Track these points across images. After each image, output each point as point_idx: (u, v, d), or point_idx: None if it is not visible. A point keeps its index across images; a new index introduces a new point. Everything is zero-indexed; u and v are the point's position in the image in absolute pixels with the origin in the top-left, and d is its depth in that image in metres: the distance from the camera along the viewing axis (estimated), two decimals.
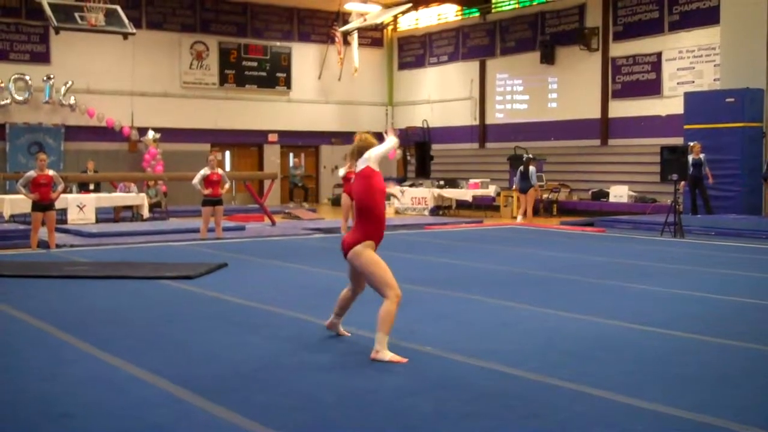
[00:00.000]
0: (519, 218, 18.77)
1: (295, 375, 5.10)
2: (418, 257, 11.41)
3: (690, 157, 16.50)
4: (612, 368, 5.28)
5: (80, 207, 17.72)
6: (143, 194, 19.40)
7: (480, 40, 26.30)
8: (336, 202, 24.36)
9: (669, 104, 20.87)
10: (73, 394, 4.69)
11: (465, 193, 22.01)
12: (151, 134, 23.64)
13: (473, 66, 26.50)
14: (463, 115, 26.79)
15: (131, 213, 19.30)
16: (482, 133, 26.37)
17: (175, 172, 20.69)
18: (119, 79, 24.08)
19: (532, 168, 18.84)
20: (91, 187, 20.09)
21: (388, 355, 5.43)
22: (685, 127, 18.49)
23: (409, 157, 26.89)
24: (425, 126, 27.05)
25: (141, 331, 6.50)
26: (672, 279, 9.33)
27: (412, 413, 4.32)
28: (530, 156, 19.93)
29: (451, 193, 22.32)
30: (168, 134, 24.17)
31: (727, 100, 17.73)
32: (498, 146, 25.23)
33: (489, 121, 26.22)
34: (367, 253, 5.70)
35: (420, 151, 25.24)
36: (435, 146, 26.13)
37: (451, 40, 27.26)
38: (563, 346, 5.89)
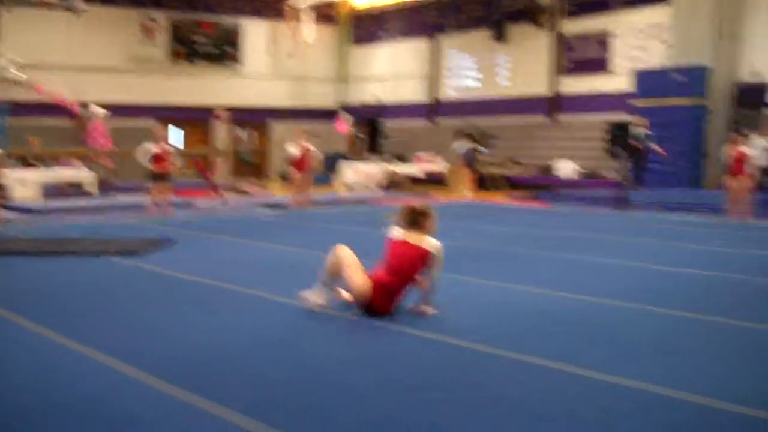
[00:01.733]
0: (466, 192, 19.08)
1: (240, 350, 5.06)
2: (367, 231, 11.38)
3: (634, 130, 16.74)
4: (558, 339, 5.34)
5: (25, 184, 17.38)
6: (90, 170, 19.11)
7: (433, 18, 26.26)
8: (286, 177, 24.17)
9: (618, 81, 21.07)
10: (16, 374, 4.60)
11: (416, 169, 22.05)
12: (99, 110, 23.23)
13: (425, 42, 26.47)
14: (415, 92, 26.77)
15: (78, 189, 18.99)
16: (434, 109, 26.40)
17: (123, 148, 20.37)
18: (66, 53, 23.62)
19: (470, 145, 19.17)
20: (37, 163, 19.71)
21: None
22: (634, 103, 18.72)
23: (360, 134, 26.84)
24: (377, 102, 26.99)
25: (87, 308, 6.39)
26: (618, 251, 9.45)
27: (359, 386, 4.32)
28: (469, 132, 20.18)
29: (402, 168, 22.34)
30: (117, 110, 23.76)
31: (675, 77, 17.97)
32: (449, 122, 25.29)
33: (441, 97, 26.25)
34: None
35: (372, 127, 25.20)
36: (387, 122, 26.10)
37: (404, 17, 27.18)
38: (510, 318, 5.94)
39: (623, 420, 3.81)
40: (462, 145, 18.89)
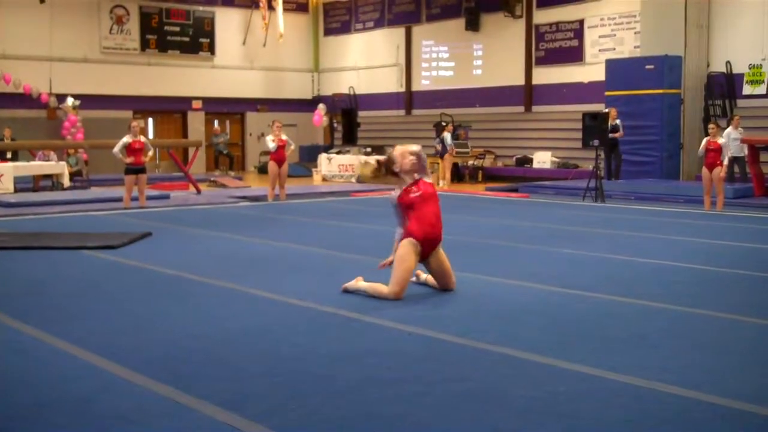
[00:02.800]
0: (440, 183, 19.20)
1: (220, 345, 5.07)
2: (345, 224, 11.42)
3: (612, 122, 16.89)
4: (537, 331, 5.38)
5: None
6: (63, 163, 18.95)
7: (406, 6, 26.25)
8: (262, 169, 24.16)
9: (591, 71, 21.20)
10: (1, 373, 4.58)
11: None
12: (70, 101, 23.04)
13: (399, 32, 26.45)
14: (390, 82, 26.77)
15: (51, 182, 18.83)
16: (408, 99, 26.41)
17: (96, 140, 20.23)
18: (36, 44, 23.39)
19: (446, 134, 19.31)
20: (9, 155, 19.52)
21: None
22: (606, 93, 18.84)
23: (335, 124, 26.80)
24: (352, 93, 26.96)
25: (63, 302, 6.37)
26: (594, 243, 9.53)
27: (340, 380, 4.34)
28: (443, 122, 20.36)
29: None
30: (88, 101, 23.58)
31: (647, 67, 18.10)
32: (424, 113, 25.33)
33: (415, 87, 26.27)
34: (402, 248, 6.35)
35: (347, 118, 25.16)
36: (362, 113, 26.08)
37: (377, 6, 27.14)
38: (489, 310, 5.98)
39: (608, 413, 3.85)
40: (439, 137, 19.22)
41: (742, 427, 3.70)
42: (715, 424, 3.72)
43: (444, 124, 20.28)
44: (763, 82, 18.31)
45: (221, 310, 6.04)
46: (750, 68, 18.44)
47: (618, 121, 17.41)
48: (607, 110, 17.28)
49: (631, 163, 18.11)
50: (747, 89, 18.56)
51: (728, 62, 18.53)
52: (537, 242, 9.56)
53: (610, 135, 17.08)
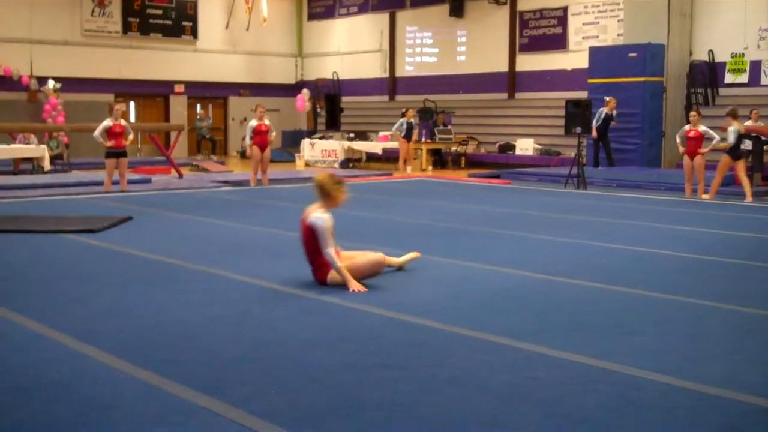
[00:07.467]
0: (408, 169, 19.64)
1: (200, 329, 5.05)
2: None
3: (604, 111, 16.88)
4: (517, 317, 5.40)
5: None
6: (44, 146, 18.80)
7: None
8: (245, 154, 24.06)
9: (574, 58, 21.20)
10: None
11: (375, 146, 22.02)
12: (51, 84, 22.82)
13: (383, 18, 26.35)
14: (373, 68, 26.69)
15: (31, 165, 18.69)
16: (392, 85, 26.35)
17: (77, 123, 20.05)
18: (17, 25, 23.13)
19: (409, 120, 19.70)
20: None
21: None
22: (589, 81, 18.86)
23: (319, 110, 26.71)
24: (335, 78, 26.87)
25: (42, 286, 6.33)
26: (575, 230, 9.56)
27: (319, 365, 4.34)
28: (404, 109, 20.63)
29: (361, 145, 22.30)
30: (69, 84, 23.37)
31: (630, 55, 18.13)
32: (408, 99, 25.25)
33: (399, 73, 26.20)
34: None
35: (330, 104, 25.05)
36: (345, 98, 25.98)
37: None
38: (470, 296, 5.99)
39: (586, 399, 3.87)
40: (402, 121, 19.57)
41: (720, 413, 3.72)
42: (693, 410, 3.74)
43: (405, 110, 20.56)
44: (745, 70, 18.39)
45: (201, 294, 6.02)
46: (732, 57, 18.51)
47: (615, 112, 17.42)
48: (608, 98, 17.23)
49: (613, 150, 18.16)
50: (729, 78, 18.64)
51: (710, 51, 18.59)
52: (518, 228, 9.58)
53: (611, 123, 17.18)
